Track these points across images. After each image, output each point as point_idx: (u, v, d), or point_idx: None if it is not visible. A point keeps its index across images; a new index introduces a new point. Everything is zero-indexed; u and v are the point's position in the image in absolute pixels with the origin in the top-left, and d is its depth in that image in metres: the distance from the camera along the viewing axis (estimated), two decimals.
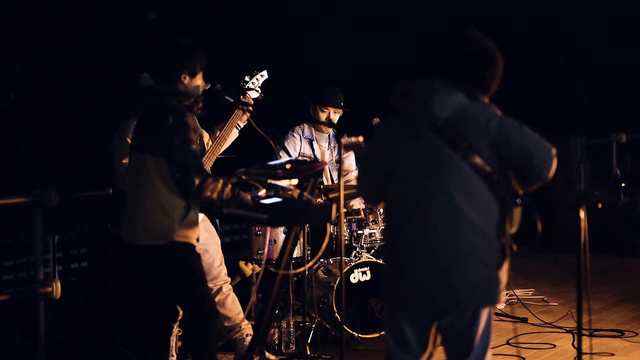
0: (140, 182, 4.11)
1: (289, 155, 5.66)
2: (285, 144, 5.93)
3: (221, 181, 4.10)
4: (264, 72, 5.24)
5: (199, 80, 4.23)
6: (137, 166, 4.15)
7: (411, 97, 3.29)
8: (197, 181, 4.01)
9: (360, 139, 5.40)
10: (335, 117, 6.01)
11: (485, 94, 3.30)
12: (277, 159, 5.69)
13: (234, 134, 5.14)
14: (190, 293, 4.19)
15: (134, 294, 5.04)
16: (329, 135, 6.16)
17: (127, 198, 4.25)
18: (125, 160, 4.80)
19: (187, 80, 4.17)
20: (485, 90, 3.29)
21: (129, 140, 4.79)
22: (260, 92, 5.22)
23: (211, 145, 5.00)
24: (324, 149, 6.12)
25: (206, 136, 5.07)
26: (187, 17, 8.02)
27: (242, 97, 5.07)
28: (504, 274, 3.27)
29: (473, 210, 3.19)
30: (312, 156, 6.00)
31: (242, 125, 5.14)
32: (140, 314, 4.39)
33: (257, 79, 5.20)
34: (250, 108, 4.95)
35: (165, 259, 4.12)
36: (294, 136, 6.06)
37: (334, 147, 6.13)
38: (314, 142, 6.07)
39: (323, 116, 5.98)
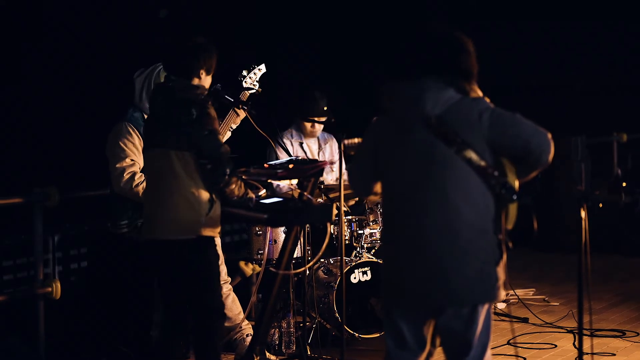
0: (164, 179, 4.12)
1: (289, 154, 5.66)
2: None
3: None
4: (262, 66, 5.21)
5: (209, 78, 4.32)
6: (158, 163, 4.15)
7: (402, 97, 3.30)
8: (228, 171, 4.05)
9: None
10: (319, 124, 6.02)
11: (471, 80, 3.30)
12: (276, 158, 5.69)
13: (227, 135, 5.14)
14: (206, 289, 4.20)
15: (137, 292, 5.04)
16: (317, 138, 6.15)
17: (148, 196, 4.27)
18: (119, 165, 4.81)
19: (203, 76, 4.24)
20: (470, 76, 3.30)
21: (122, 145, 4.82)
22: (258, 86, 5.20)
23: None
24: (314, 152, 6.11)
25: None
26: (186, 14, 8.02)
27: (240, 95, 5.07)
28: (502, 270, 3.26)
29: (468, 206, 3.19)
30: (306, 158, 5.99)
31: (234, 127, 5.14)
32: (165, 311, 4.37)
33: (254, 73, 5.17)
34: (246, 107, 4.96)
35: (193, 254, 4.15)
36: (284, 142, 6.05)
37: (325, 147, 6.14)
38: (304, 145, 6.06)
39: (308, 125, 5.99)
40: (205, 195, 4.11)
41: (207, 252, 4.19)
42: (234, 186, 4.11)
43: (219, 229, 4.23)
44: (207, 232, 4.15)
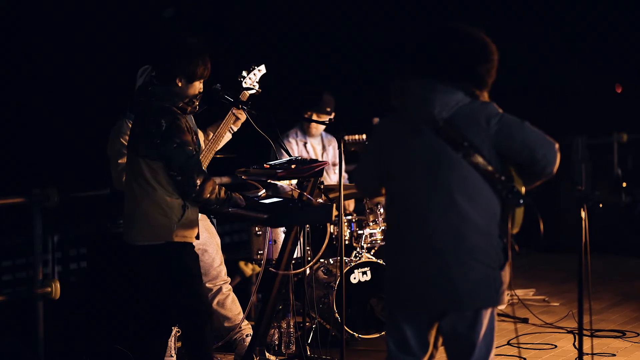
0: (138, 184, 4.12)
1: (289, 154, 5.65)
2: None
3: (217, 183, 4.14)
4: (262, 67, 5.18)
5: (197, 84, 4.18)
6: (134, 168, 4.15)
7: (410, 97, 3.26)
8: (198, 182, 4.02)
9: (364, 136, 5.38)
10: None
11: (482, 89, 3.27)
12: (277, 159, 5.69)
13: (227, 137, 5.12)
14: (186, 293, 4.18)
15: (133, 294, 5.04)
16: (321, 136, 6.16)
17: (126, 199, 4.25)
18: (121, 161, 4.80)
19: (182, 83, 4.13)
20: (482, 85, 3.26)
21: (124, 141, 4.80)
22: (258, 87, 5.17)
23: (207, 145, 4.98)
24: (318, 152, 6.12)
25: (201, 135, 5.05)
26: (188, 14, 8.02)
27: (239, 96, 5.05)
28: (506, 274, 3.25)
29: (474, 210, 3.17)
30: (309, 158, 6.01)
31: (235, 129, 5.10)
32: (139, 314, 4.38)
33: (254, 74, 5.15)
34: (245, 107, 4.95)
35: (163, 259, 4.14)
36: (289, 142, 6.07)
37: (328, 148, 6.15)
38: (308, 145, 6.08)
39: (307, 123, 6.03)
40: (177, 201, 4.09)
41: (179, 257, 4.15)
42: (208, 195, 4.08)
43: (194, 234, 4.20)
44: (179, 238, 4.12)
